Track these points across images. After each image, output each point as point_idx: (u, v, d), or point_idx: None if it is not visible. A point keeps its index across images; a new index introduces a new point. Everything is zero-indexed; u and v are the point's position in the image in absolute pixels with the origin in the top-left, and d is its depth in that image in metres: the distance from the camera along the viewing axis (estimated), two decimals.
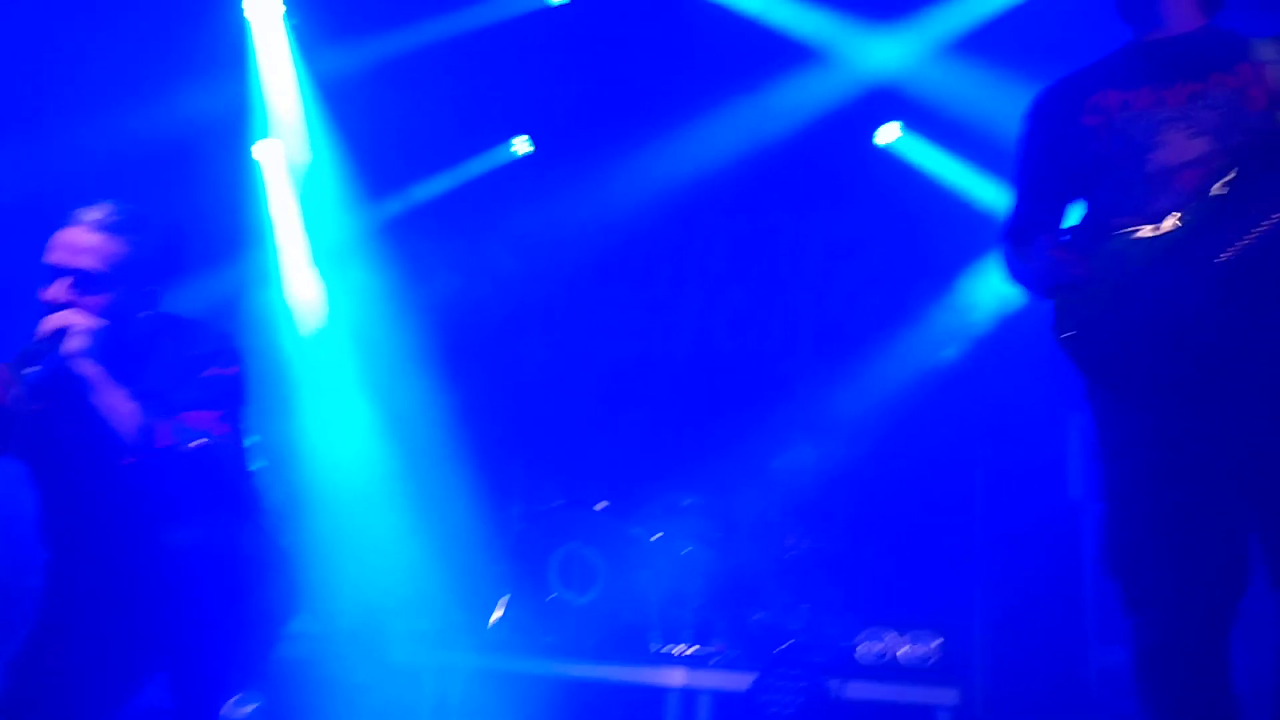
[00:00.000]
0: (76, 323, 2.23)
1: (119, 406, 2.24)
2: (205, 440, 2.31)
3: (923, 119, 6.27)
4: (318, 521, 5.17)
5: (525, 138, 7.08)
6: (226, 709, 2.37)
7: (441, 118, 6.78)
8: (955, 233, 6.16)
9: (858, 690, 4.72)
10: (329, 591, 5.14)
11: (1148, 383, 2.26)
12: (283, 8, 5.97)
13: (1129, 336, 2.26)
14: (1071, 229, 2.42)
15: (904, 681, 4.79)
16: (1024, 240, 2.50)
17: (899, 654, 4.95)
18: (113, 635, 2.35)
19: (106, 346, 2.28)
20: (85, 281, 2.30)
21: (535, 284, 7.33)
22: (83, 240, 2.31)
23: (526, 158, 7.13)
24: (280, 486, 5.26)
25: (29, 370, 2.17)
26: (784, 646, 5.09)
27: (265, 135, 6.50)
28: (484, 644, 5.24)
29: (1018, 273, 2.54)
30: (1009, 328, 5.92)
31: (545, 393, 6.97)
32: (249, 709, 4.63)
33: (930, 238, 6.51)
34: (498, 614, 5.32)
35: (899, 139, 6.49)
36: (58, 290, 2.28)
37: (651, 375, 6.93)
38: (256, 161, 6.56)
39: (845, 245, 6.93)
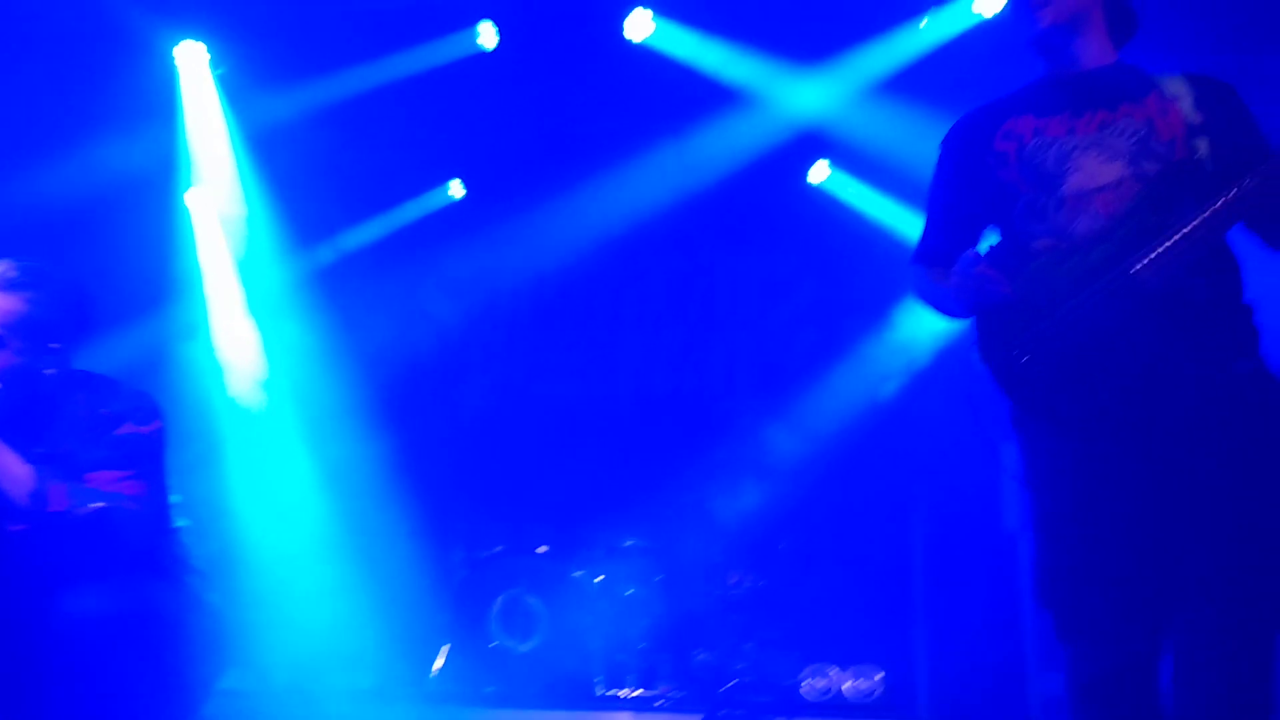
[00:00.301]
0: None
1: (10, 470, 2.18)
2: (104, 503, 2.24)
3: (852, 158, 6.39)
4: (250, 577, 5.06)
5: (458, 181, 7.07)
6: None
7: (374, 163, 6.75)
8: (888, 269, 6.26)
9: None
10: (262, 648, 5.02)
11: (1073, 407, 2.27)
12: (208, 55, 5.92)
13: (1053, 359, 2.28)
14: (988, 251, 2.43)
15: (850, 716, 4.80)
16: (935, 263, 2.54)
17: (844, 689, 4.97)
18: (10, 707, 2.26)
19: (5, 405, 2.21)
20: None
21: (472, 329, 7.29)
22: None
23: (460, 202, 7.12)
24: (207, 543, 5.14)
25: None
26: (729, 686, 5.08)
27: (194, 184, 6.42)
28: (425, 696, 5.15)
29: (931, 294, 2.58)
30: (943, 361, 6.01)
31: (484, 438, 6.92)
32: None
33: (863, 274, 6.61)
34: (439, 664, 5.24)
35: (829, 178, 6.60)
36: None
37: (590, 418, 6.92)
38: (186, 211, 6.47)
39: (780, 283, 7.01)
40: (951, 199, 2.59)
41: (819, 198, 6.66)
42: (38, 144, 5.82)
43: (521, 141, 6.77)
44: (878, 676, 4.97)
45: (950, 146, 2.59)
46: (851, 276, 6.71)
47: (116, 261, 6.15)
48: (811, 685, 5.00)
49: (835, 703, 4.92)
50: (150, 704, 2.24)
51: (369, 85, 6.09)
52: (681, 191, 6.62)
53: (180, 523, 2.50)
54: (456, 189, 7.12)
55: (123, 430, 2.33)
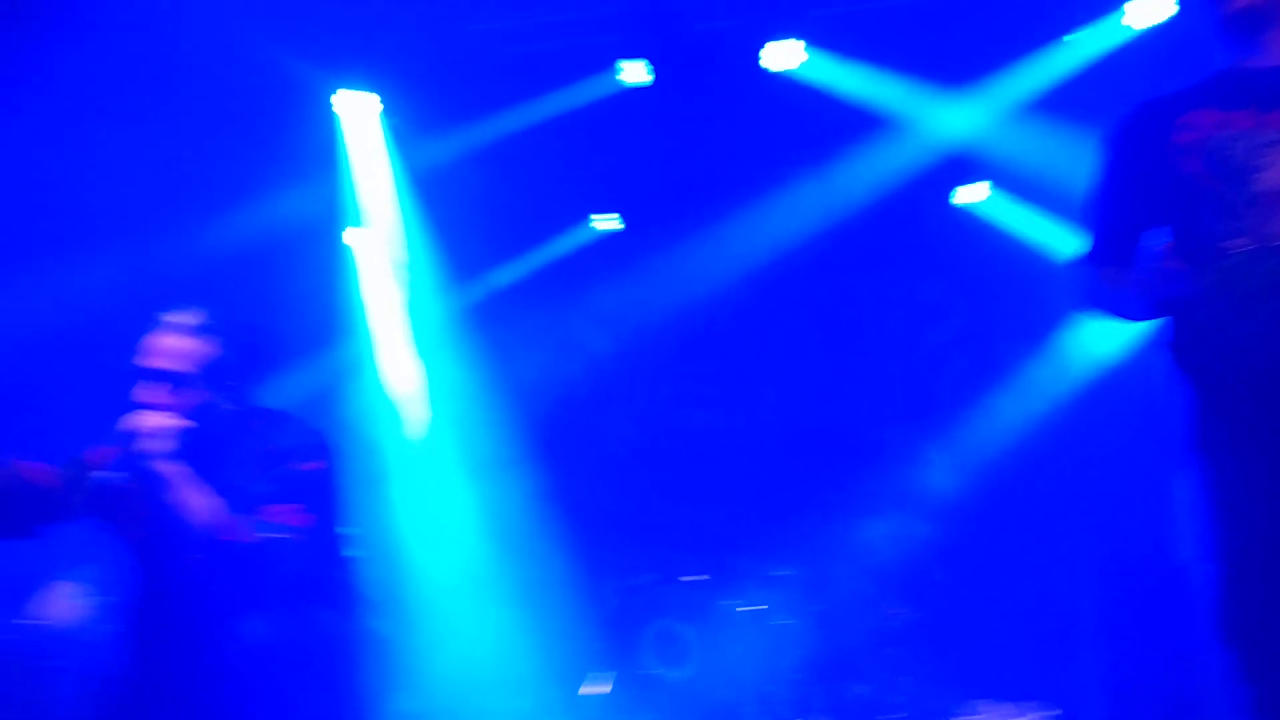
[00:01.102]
0: (159, 424, 2.35)
1: (195, 503, 2.34)
2: (277, 534, 2.38)
3: (1003, 178, 6.24)
4: (416, 606, 5.26)
5: (615, 216, 7.23)
6: None
7: (528, 200, 6.97)
8: (1044, 290, 6.08)
9: None
10: (427, 671, 5.21)
11: (1273, 420, 2.11)
12: (368, 102, 6.24)
13: (1253, 365, 2.13)
14: (1165, 249, 2.25)
15: None
16: (1103, 263, 2.41)
17: None
18: None
19: (192, 443, 2.39)
20: (171, 382, 2.42)
21: (623, 359, 7.41)
22: (169, 344, 2.44)
23: (611, 235, 7.27)
24: (377, 574, 5.37)
25: (114, 474, 2.29)
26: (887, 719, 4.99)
27: (358, 227, 6.75)
28: None
29: (1101, 296, 2.44)
30: (1104, 386, 5.79)
31: (635, 467, 7.01)
32: None
33: (1019, 296, 6.43)
34: (592, 689, 5.31)
35: (982, 199, 6.47)
36: (145, 392, 2.41)
37: (742, 447, 6.93)
38: (351, 253, 6.81)
39: (931, 308, 6.88)
40: (1120, 194, 2.42)
41: (969, 219, 6.53)
42: (214, 195, 6.25)
43: (669, 173, 6.89)
44: (1050, 714, 4.80)
45: (1119, 140, 2.43)
46: (1007, 298, 6.54)
47: (288, 303, 6.52)
48: None
49: None
50: (318, 712, 2.37)
51: (523, 124, 6.32)
52: (828, 218, 6.59)
53: (352, 554, 2.64)
54: (610, 222, 7.27)
55: (295, 466, 2.49)
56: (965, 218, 6.53)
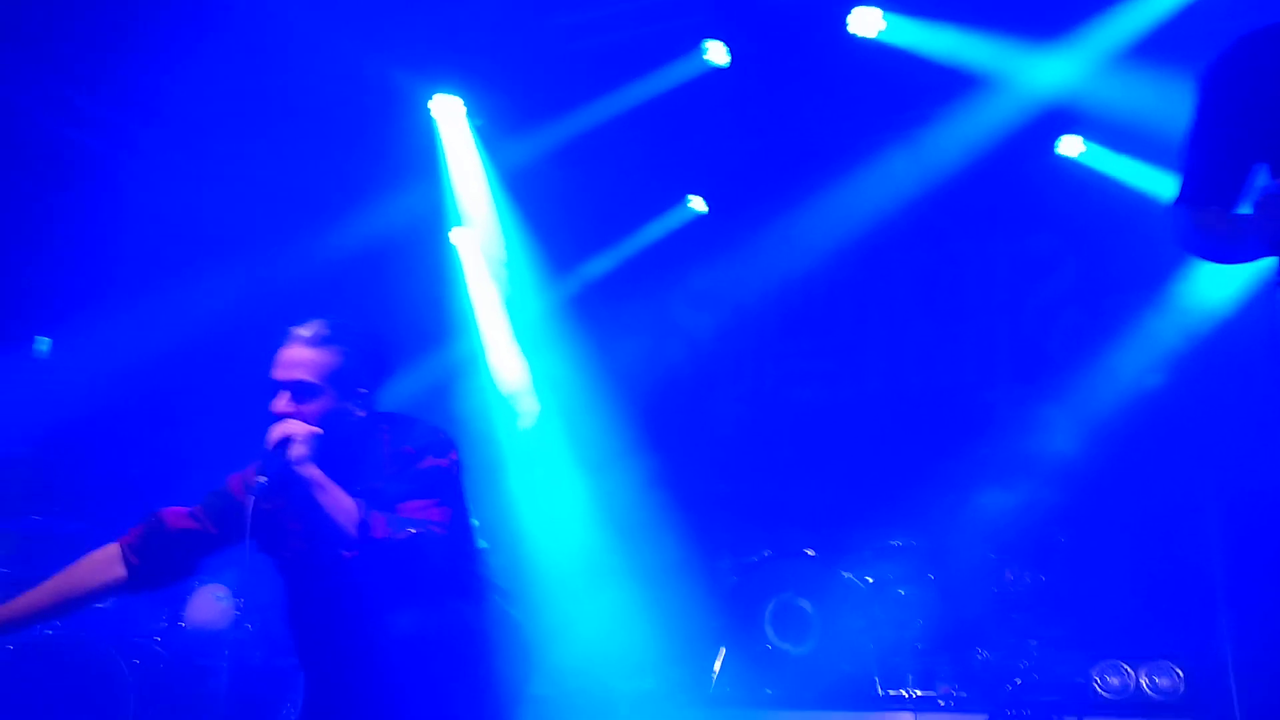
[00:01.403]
0: (297, 431, 2.48)
1: (339, 504, 2.45)
2: (419, 530, 2.48)
3: (1103, 129, 6.07)
4: (541, 592, 5.40)
5: (699, 198, 7.26)
6: None
7: (619, 189, 7.05)
8: (1155, 240, 5.91)
9: None
10: (555, 655, 5.35)
11: None
12: (463, 107, 6.38)
13: None
14: (1273, 185, 2.13)
15: (1149, 716, 4.55)
16: (1207, 204, 2.32)
17: (1142, 685, 4.71)
18: (361, 713, 2.55)
19: (325, 449, 2.51)
20: (303, 392, 2.55)
21: (723, 339, 7.44)
22: (298, 355, 2.57)
23: (704, 216, 7.30)
24: (503, 563, 5.53)
25: (259, 479, 2.42)
26: (1015, 685, 4.95)
27: (459, 226, 6.93)
28: (706, 698, 5.30)
29: (1207, 237, 2.35)
30: (1221, 339, 5.61)
31: (743, 445, 7.04)
32: None
33: (1128, 247, 6.25)
34: (717, 667, 5.39)
35: (1082, 152, 6.30)
36: (280, 403, 2.54)
37: (848, 419, 6.90)
38: (454, 252, 7.00)
39: (1036, 266, 6.73)
40: (1222, 132, 2.33)
41: (1074, 171, 6.36)
42: (328, 205, 6.48)
43: (760, 150, 6.88)
44: (1179, 673, 4.69)
45: (1218, 76, 2.35)
46: (1118, 249, 6.36)
47: (402, 304, 6.75)
48: (1105, 682, 4.77)
49: (1134, 700, 4.67)
50: (471, 712, 2.48)
51: (608, 115, 6.38)
52: (924, 182, 6.51)
53: (480, 545, 2.74)
54: (698, 204, 7.31)
55: (424, 464, 2.58)
56: (1069, 169, 6.37)
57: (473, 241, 7.00)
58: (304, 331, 2.61)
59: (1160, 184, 5.93)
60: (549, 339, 7.01)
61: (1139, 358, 6.08)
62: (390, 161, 6.62)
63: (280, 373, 2.58)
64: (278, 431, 2.49)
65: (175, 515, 2.73)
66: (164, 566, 2.72)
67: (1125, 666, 4.70)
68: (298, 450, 2.47)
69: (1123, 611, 5.39)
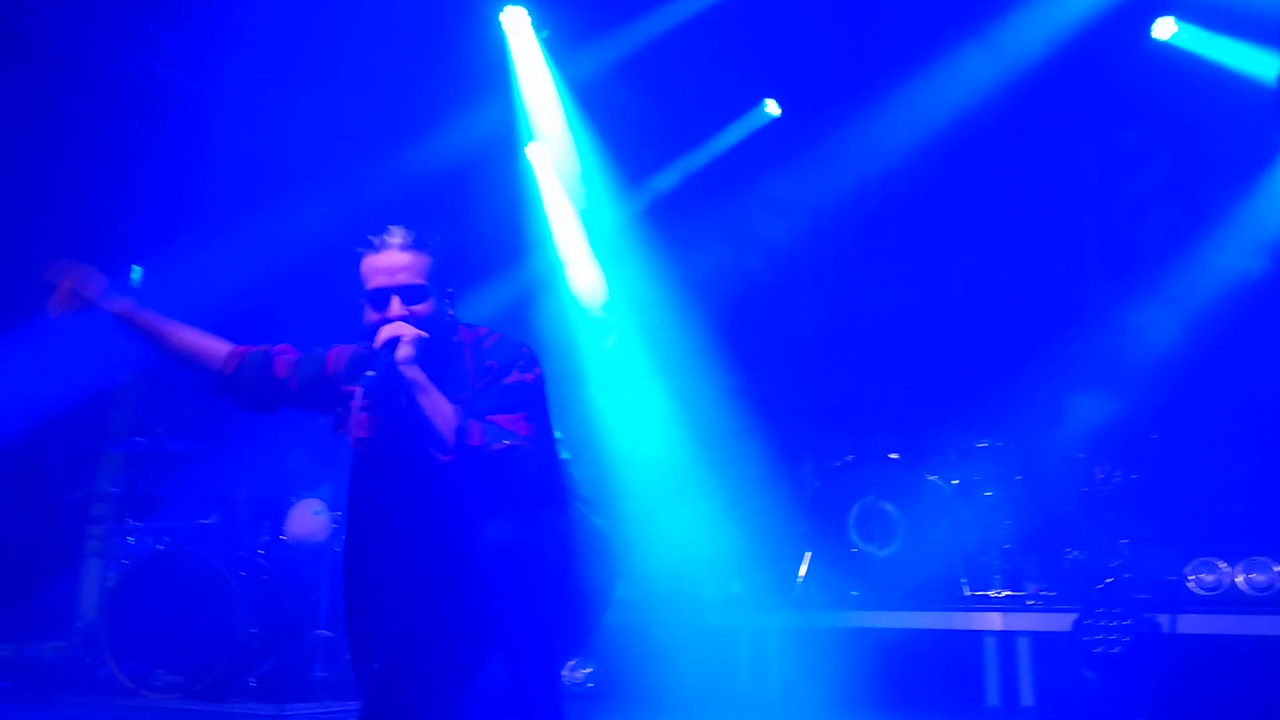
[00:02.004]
0: (405, 333, 2.53)
1: (440, 408, 2.50)
2: (511, 441, 2.52)
3: (1199, 8, 5.76)
4: (626, 501, 5.49)
5: (774, 101, 7.11)
6: (565, 675, 2.59)
7: (691, 95, 6.94)
8: (1250, 128, 5.63)
9: (1191, 624, 4.46)
10: (645, 562, 5.45)
11: None
12: (528, 18, 6.31)
13: None
14: None
15: (1245, 612, 4.48)
16: None
17: (1236, 582, 4.64)
18: (449, 622, 2.60)
19: (426, 354, 2.56)
20: (409, 294, 2.60)
21: (802, 244, 7.35)
22: (398, 260, 2.61)
23: (779, 121, 7.16)
24: (588, 474, 5.62)
25: (367, 374, 2.49)
26: (1105, 583, 4.90)
27: (533, 140, 6.91)
28: (792, 601, 5.37)
29: None
30: None
31: (826, 350, 6.99)
32: (584, 673, 5.03)
33: (1226, 135, 5.98)
34: (803, 570, 5.44)
35: (1175, 34, 5.99)
36: (394, 306, 2.58)
37: (932, 320, 6.79)
38: (529, 167, 6.99)
39: (1127, 159, 6.48)
40: None
41: (1166, 56, 6.06)
42: (400, 123, 6.52)
43: (832, 48, 6.69)
44: (1277, 569, 4.60)
45: None
46: (1215, 138, 6.08)
47: (478, 221, 6.80)
48: (1199, 579, 4.71)
49: (1229, 597, 4.60)
50: (561, 618, 2.54)
51: (677, 20, 6.26)
52: (1007, 75, 6.27)
53: (563, 456, 2.79)
54: (772, 108, 7.16)
55: (511, 379, 2.62)
56: (1163, 54, 6.06)
57: (547, 156, 6.98)
58: (395, 238, 2.65)
59: (1261, 64, 5.64)
60: (626, 251, 7.00)
61: (1237, 246, 5.83)
62: (464, 79, 6.62)
63: (382, 279, 2.61)
64: (386, 332, 2.53)
65: (282, 360, 2.84)
66: (249, 392, 2.83)
67: (1220, 563, 4.62)
68: (405, 351, 2.52)
69: (1217, 508, 5.28)
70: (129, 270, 6.43)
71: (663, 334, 6.61)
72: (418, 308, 2.61)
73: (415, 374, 2.52)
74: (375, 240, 2.66)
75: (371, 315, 2.63)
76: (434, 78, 6.45)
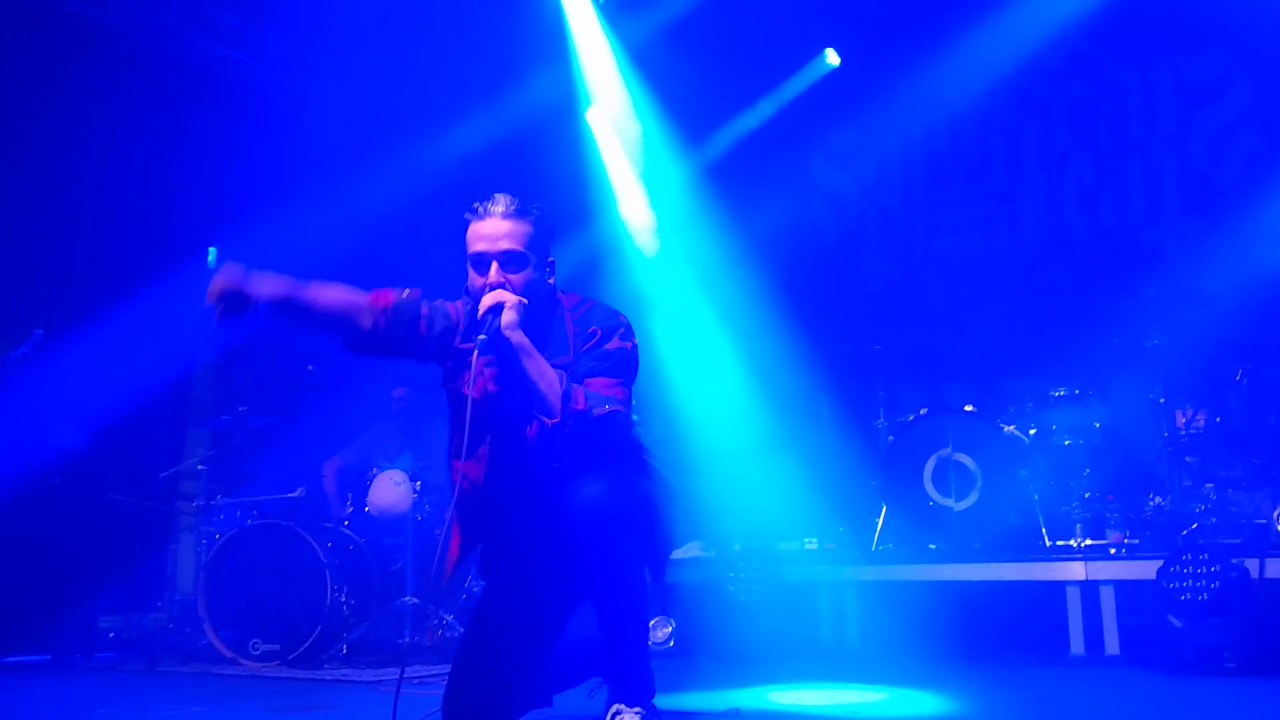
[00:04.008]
0: (509, 299, 2.58)
1: (544, 373, 2.57)
2: (611, 407, 2.60)
3: None
4: (702, 460, 5.52)
5: (833, 50, 7.00)
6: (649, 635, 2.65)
7: (747, 50, 6.86)
8: None
9: None
10: (721, 521, 5.49)
11: None
12: None
13: None
14: None
15: None
16: None
17: None
18: (544, 576, 2.69)
19: (528, 319, 2.61)
20: (511, 261, 2.65)
21: (870, 195, 7.26)
22: (501, 228, 2.65)
23: (839, 71, 7.05)
24: (659, 435, 5.66)
25: (479, 337, 2.54)
26: (1190, 529, 4.82)
27: (592, 104, 6.91)
28: (869, 556, 5.37)
29: None
30: None
31: (897, 302, 6.92)
32: (665, 632, 5.10)
33: None
34: (879, 525, 5.43)
35: None
36: (492, 273, 2.63)
37: (1004, 266, 6.67)
38: (590, 130, 6.99)
39: (1203, 89, 6.26)
40: None
41: None
42: (464, 95, 6.56)
43: None
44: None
45: None
46: None
47: (543, 187, 6.83)
48: None
49: None
50: (647, 573, 2.62)
51: None
52: (1073, 9, 6.09)
53: (639, 419, 2.84)
54: (832, 58, 7.05)
55: (612, 345, 2.69)
56: None
57: (608, 119, 6.97)
58: (498, 206, 2.69)
59: None
60: (691, 211, 6.98)
61: None
62: (522, 47, 6.63)
63: (484, 245, 2.67)
64: (490, 299, 2.59)
65: (422, 309, 2.77)
66: (395, 342, 2.74)
67: None
68: (509, 316, 2.58)
69: None
70: (205, 252, 6.61)
71: (730, 293, 6.60)
72: (516, 276, 2.66)
73: (520, 339, 2.58)
74: (480, 207, 2.72)
75: (475, 279, 2.69)
76: (493, 47, 6.48)
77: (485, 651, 2.69)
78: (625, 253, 7.04)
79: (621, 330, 2.74)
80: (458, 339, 2.76)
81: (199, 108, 6.56)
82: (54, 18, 6.03)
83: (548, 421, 2.57)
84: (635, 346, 2.75)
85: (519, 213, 2.69)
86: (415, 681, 4.21)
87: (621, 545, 2.53)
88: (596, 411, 2.58)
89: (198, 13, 6.59)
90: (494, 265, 2.66)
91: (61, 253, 6.02)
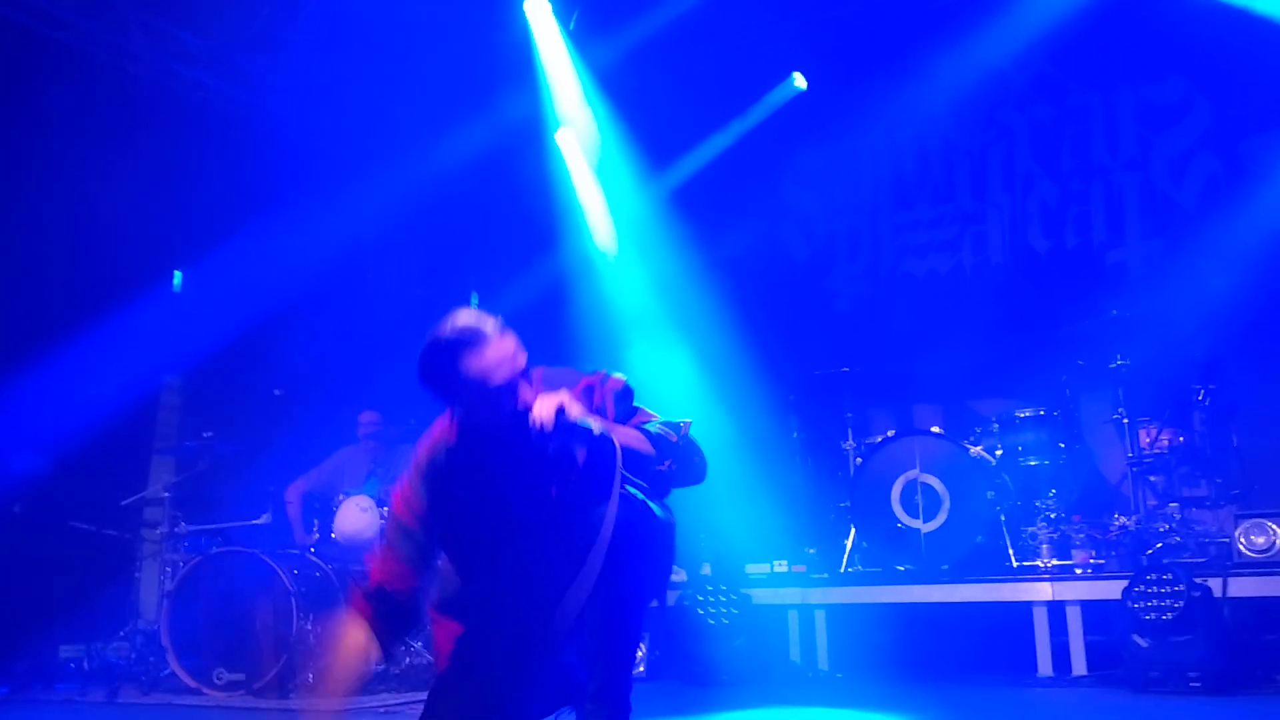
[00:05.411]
0: (558, 400, 2.54)
1: (629, 437, 2.61)
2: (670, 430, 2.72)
3: None
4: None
5: (799, 74, 7.05)
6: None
7: (715, 73, 6.91)
8: None
9: (1243, 587, 4.42)
10: (690, 544, 5.48)
11: None
12: (549, 6, 6.31)
13: None
14: None
15: None
16: None
17: None
18: (543, 602, 2.65)
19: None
20: (525, 374, 2.66)
21: (838, 216, 7.30)
22: (506, 348, 2.61)
23: (806, 94, 7.09)
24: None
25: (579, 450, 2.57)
26: (1155, 549, 4.86)
27: (561, 126, 6.92)
28: (840, 579, 5.38)
29: None
30: None
31: (864, 323, 6.95)
32: (641, 652, 5.08)
33: (1262, 84, 5.84)
34: (848, 546, 5.44)
35: None
36: (525, 392, 2.62)
37: (970, 288, 6.72)
38: (559, 152, 7.00)
39: (1163, 113, 6.35)
40: None
41: (1198, 4, 5.89)
42: (433, 119, 6.56)
43: (856, 16, 6.63)
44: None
45: None
46: (1252, 87, 5.92)
47: (513, 209, 6.84)
48: (1250, 541, 4.65)
49: (1278, 559, 4.56)
50: (646, 600, 2.66)
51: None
52: (1036, 29, 6.16)
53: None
54: (799, 81, 7.10)
55: (610, 385, 2.75)
56: (1197, 1, 5.90)
57: (575, 142, 6.98)
58: (488, 329, 2.66)
59: None
60: (659, 232, 6.99)
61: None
62: (490, 71, 6.64)
63: (504, 372, 2.63)
64: (546, 410, 2.55)
65: (391, 576, 2.74)
66: (405, 625, 2.76)
67: (1271, 525, 4.57)
68: (575, 410, 2.56)
69: (1268, 468, 5.19)
70: (170, 276, 6.55)
71: (698, 314, 6.60)
72: (536, 380, 2.71)
73: (594, 422, 2.59)
74: (468, 338, 2.64)
75: (524, 403, 2.65)
76: (461, 71, 6.48)
77: (468, 685, 2.68)
78: (593, 274, 7.03)
79: (600, 374, 2.79)
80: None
81: (164, 131, 6.51)
82: (14, 39, 5.98)
83: (663, 470, 2.69)
84: (627, 385, 2.82)
85: (503, 325, 2.68)
86: (383, 711, 4.16)
87: (625, 567, 2.54)
88: (678, 436, 2.74)
89: (162, 35, 6.55)
90: (521, 384, 2.65)
91: (24, 276, 5.94)
